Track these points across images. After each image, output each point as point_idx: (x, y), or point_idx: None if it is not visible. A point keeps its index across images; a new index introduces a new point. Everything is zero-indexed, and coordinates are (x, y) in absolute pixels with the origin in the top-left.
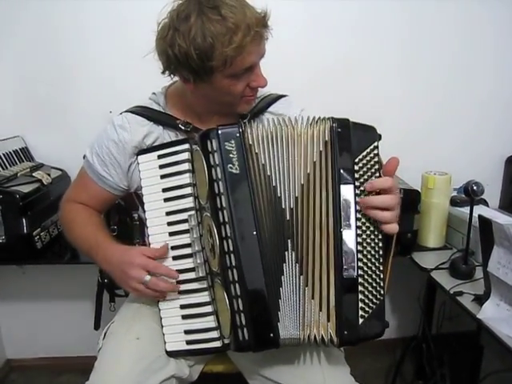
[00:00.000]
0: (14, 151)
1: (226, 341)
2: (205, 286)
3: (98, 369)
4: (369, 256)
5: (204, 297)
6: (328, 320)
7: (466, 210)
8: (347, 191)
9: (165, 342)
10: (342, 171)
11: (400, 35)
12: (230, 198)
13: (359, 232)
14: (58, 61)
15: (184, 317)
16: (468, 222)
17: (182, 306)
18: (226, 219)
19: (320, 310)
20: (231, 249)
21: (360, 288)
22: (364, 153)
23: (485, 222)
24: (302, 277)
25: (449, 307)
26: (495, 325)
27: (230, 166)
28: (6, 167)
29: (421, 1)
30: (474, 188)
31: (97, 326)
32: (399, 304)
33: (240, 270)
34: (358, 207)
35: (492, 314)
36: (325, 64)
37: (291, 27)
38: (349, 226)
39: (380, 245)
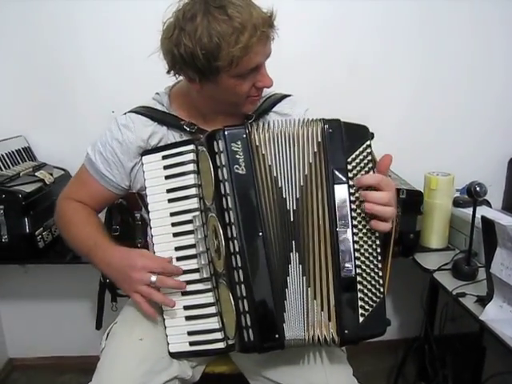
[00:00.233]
0: (16, 151)
1: (230, 342)
2: (209, 286)
3: (100, 370)
4: (366, 254)
5: (208, 298)
6: (329, 320)
7: (469, 210)
8: (341, 191)
9: (168, 343)
10: (335, 171)
11: (407, 36)
12: (236, 198)
13: (355, 231)
14: (61, 61)
15: (187, 318)
16: (471, 223)
17: (186, 307)
18: (232, 220)
19: (322, 309)
20: (237, 250)
21: (359, 287)
22: (357, 152)
23: (488, 223)
24: (304, 277)
25: (451, 308)
26: (498, 326)
27: (237, 166)
28: (9, 167)
29: (433, 1)
30: (477, 189)
31: (98, 326)
32: (402, 305)
33: (246, 271)
34: (353, 206)
35: (495, 315)
36: (331, 64)
37: (295, 27)
38: (344, 225)
39: (377, 243)
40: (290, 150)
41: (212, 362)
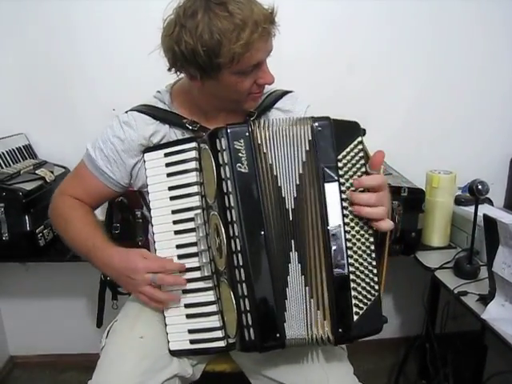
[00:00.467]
0: (17, 148)
1: (231, 340)
2: (210, 285)
3: (101, 367)
4: (359, 252)
5: (209, 296)
6: (324, 318)
7: (471, 209)
8: (332, 189)
9: (168, 341)
10: (325, 169)
11: (411, 36)
12: (239, 197)
13: (348, 229)
14: (61, 60)
15: (188, 316)
16: (473, 222)
17: (187, 305)
18: (234, 218)
19: (318, 308)
20: (239, 248)
21: (352, 285)
22: (347, 149)
23: (490, 222)
24: (303, 276)
25: (453, 307)
26: (500, 325)
27: (239, 165)
28: (10, 164)
29: (439, 2)
30: (479, 187)
31: (99, 324)
32: (403, 303)
33: (247, 269)
34: (344, 204)
35: (497, 314)
36: (335, 64)
37: (299, 27)
38: (336, 223)
39: (371, 240)
40: (286, 149)
41: (213, 361)
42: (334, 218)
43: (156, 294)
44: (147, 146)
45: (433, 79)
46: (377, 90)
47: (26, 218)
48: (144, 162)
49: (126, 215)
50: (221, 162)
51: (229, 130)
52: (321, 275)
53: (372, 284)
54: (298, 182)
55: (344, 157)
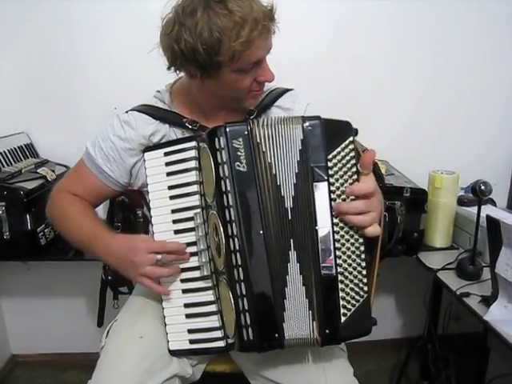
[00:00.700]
0: (18, 147)
1: (230, 341)
2: (209, 284)
3: (100, 367)
4: (348, 253)
5: (208, 296)
6: (313, 319)
7: (474, 209)
8: (321, 189)
9: (168, 341)
10: (315, 169)
11: (414, 36)
12: (237, 196)
13: (336, 229)
14: (62, 59)
15: (188, 316)
16: (475, 222)
17: (186, 305)
18: (233, 217)
19: (309, 308)
20: (237, 247)
21: (340, 286)
22: (338, 149)
23: (493, 222)
24: (301, 276)
25: (455, 307)
26: (502, 327)
27: (238, 163)
28: (11, 163)
29: (442, 2)
30: (482, 187)
31: (100, 324)
32: (405, 304)
33: (246, 269)
34: (334, 204)
35: (499, 315)
36: (339, 64)
37: (302, 27)
38: (324, 223)
39: (361, 241)
40: (283, 148)
41: (213, 361)
42: (323, 218)
43: (158, 272)
44: (147, 146)
45: (436, 79)
46: (380, 91)
47: (27, 216)
48: (144, 161)
49: (127, 214)
50: (219, 160)
51: (227, 129)
52: (310, 275)
53: (361, 285)
54: (295, 181)
55: (334, 156)
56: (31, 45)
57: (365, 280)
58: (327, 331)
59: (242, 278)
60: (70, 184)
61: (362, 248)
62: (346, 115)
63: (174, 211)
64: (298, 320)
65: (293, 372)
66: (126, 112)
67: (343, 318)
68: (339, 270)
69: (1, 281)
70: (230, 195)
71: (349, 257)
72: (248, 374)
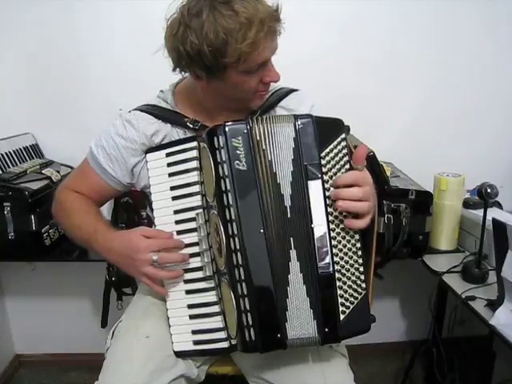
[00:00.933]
0: (24, 148)
1: (233, 341)
2: (212, 285)
3: (107, 369)
4: (345, 250)
5: (211, 296)
6: (314, 318)
7: (480, 212)
8: (315, 186)
9: (172, 342)
10: (308, 167)
11: (419, 37)
12: (237, 195)
13: (333, 227)
14: (69, 59)
15: (191, 317)
16: (481, 225)
17: (190, 306)
18: (233, 217)
19: (310, 307)
20: (238, 247)
21: (338, 284)
22: (331, 146)
23: (499, 226)
24: (302, 274)
25: (460, 311)
26: (509, 331)
27: (237, 162)
28: (16, 164)
29: (446, 3)
30: (488, 190)
31: (104, 324)
32: (409, 307)
33: (247, 268)
34: (328, 202)
35: (505, 319)
36: (342, 64)
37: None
38: (320, 221)
39: (357, 238)
40: (279, 146)
41: (216, 363)
42: (318, 216)
43: (158, 274)
44: (149, 146)
45: (441, 81)
46: (384, 92)
47: (32, 217)
48: (146, 162)
49: (132, 216)
50: (219, 159)
51: (226, 128)
52: (309, 274)
53: (359, 282)
54: (291, 179)
55: (327, 154)
56: (36, 46)
57: (362, 277)
58: (326, 330)
59: (243, 277)
60: (74, 183)
61: (359, 245)
62: (350, 117)
63: (176, 212)
64: (300, 319)
65: (292, 375)
66: (129, 111)
67: (342, 316)
68: (336, 267)
69: (5, 281)
70: (229, 194)
71: (345, 254)
72: (248, 375)
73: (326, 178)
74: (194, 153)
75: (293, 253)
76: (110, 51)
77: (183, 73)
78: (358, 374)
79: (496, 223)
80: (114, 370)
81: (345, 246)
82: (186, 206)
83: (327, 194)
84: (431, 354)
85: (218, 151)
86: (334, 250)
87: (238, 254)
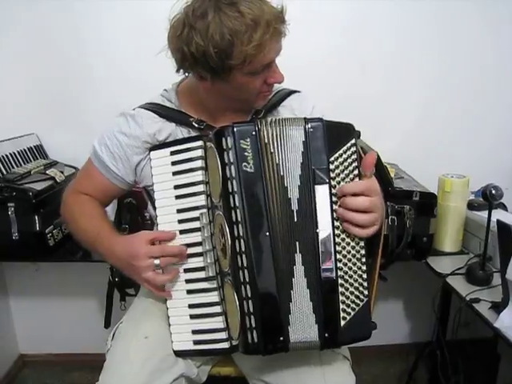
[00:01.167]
0: (28, 148)
1: (234, 342)
2: (214, 285)
3: (107, 370)
4: (349, 256)
5: (213, 297)
6: (315, 322)
7: (484, 214)
8: (322, 191)
9: (172, 341)
10: (316, 171)
11: (422, 38)
12: (244, 197)
13: (337, 232)
14: (73, 60)
15: (192, 316)
16: (486, 227)
17: (191, 306)
18: (239, 219)
19: (313, 312)
20: (243, 249)
21: (340, 289)
22: (340, 151)
23: (504, 227)
24: (306, 279)
25: (465, 313)
26: None
27: (245, 164)
28: (20, 164)
29: (449, 3)
30: (493, 192)
31: (107, 325)
32: (413, 309)
33: (252, 271)
34: (335, 207)
35: (510, 322)
36: (345, 65)
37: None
38: (325, 226)
39: (361, 244)
40: (288, 149)
41: (218, 364)
42: (323, 221)
43: (158, 279)
44: (152, 144)
45: (445, 81)
46: (388, 92)
47: (36, 218)
48: (150, 160)
49: (135, 216)
50: (226, 161)
51: (235, 129)
52: (313, 278)
53: (361, 289)
54: (299, 183)
55: (336, 159)
56: (39, 47)
57: (365, 284)
58: (327, 335)
59: (247, 279)
60: (80, 184)
61: (363, 252)
62: (354, 117)
63: (179, 211)
64: (302, 323)
65: (293, 378)
66: (133, 109)
67: (343, 322)
68: (339, 273)
69: (9, 281)
70: (236, 196)
71: (349, 260)
72: (249, 377)
73: (333, 183)
74: (200, 152)
75: (298, 257)
76: (113, 51)
77: (187, 74)
78: (361, 376)
79: (501, 225)
80: (113, 371)
81: (349, 252)
82: (190, 205)
83: (334, 199)
84: (435, 357)
85: (225, 152)
86: (338, 256)
87: (243, 256)
